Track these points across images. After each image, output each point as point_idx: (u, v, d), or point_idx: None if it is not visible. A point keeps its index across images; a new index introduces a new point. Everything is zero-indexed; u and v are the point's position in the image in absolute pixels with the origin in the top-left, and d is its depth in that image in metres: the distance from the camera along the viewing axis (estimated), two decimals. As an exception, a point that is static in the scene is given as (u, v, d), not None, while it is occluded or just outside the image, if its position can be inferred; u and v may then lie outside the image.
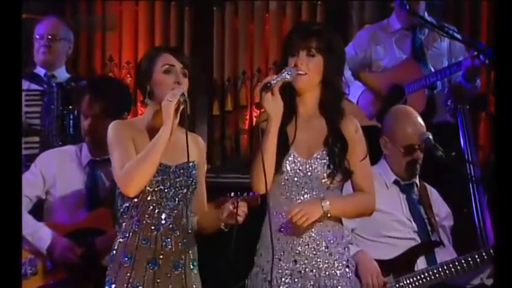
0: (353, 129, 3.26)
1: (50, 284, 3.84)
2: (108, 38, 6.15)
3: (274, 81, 3.13)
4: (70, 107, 4.66)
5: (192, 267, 3.28)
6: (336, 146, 3.22)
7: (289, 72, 3.19)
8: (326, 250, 3.22)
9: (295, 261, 3.23)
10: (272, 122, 3.17)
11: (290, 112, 3.28)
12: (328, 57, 3.22)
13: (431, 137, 4.07)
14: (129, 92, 4.31)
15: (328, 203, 3.18)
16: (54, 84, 4.71)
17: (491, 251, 3.96)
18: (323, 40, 3.23)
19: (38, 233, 3.86)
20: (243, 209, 3.16)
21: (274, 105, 3.15)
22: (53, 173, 4.00)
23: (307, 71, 3.21)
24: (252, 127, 5.98)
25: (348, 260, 3.26)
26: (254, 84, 6.07)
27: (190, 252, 3.27)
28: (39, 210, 4.04)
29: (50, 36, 4.82)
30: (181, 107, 3.16)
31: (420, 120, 4.15)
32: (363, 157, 3.26)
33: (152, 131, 3.25)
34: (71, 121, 4.64)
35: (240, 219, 3.16)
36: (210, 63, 6.05)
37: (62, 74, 4.88)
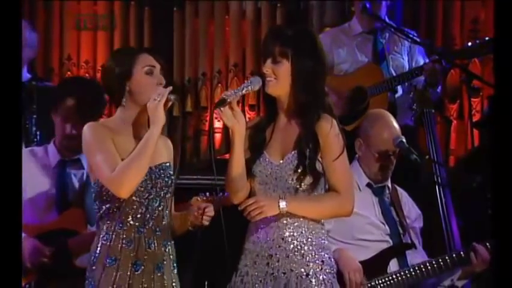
0: (327, 128, 3.20)
1: (22, 287, 3.76)
2: (66, 37, 6.10)
3: (230, 97, 3.14)
4: (34, 106, 4.58)
5: (172, 268, 3.28)
6: (306, 148, 3.20)
7: (251, 83, 3.21)
8: (297, 251, 3.22)
9: (268, 263, 3.23)
10: (235, 137, 3.19)
11: (271, 116, 3.30)
12: (295, 61, 3.20)
13: (404, 140, 4.08)
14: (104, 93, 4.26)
15: (285, 202, 3.17)
16: None
17: (462, 253, 4.01)
18: (288, 45, 3.21)
19: None
20: (208, 213, 3.20)
21: (235, 121, 3.17)
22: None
23: (275, 77, 3.21)
24: (212, 128, 5.99)
25: (323, 261, 3.23)
26: (214, 86, 6.08)
27: (171, 252, 3.28)
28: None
29: None
30: (169, 105, 3.14)
31: (396, 124, 4.17)
32: (337, 156, 3.21)
33: (131, 131, 3.24)
34: (33, 120, 4.56)
35: (206, 222, 3.21)
36: (170, 63, 6.02)
37: (24, 75, 4.78)
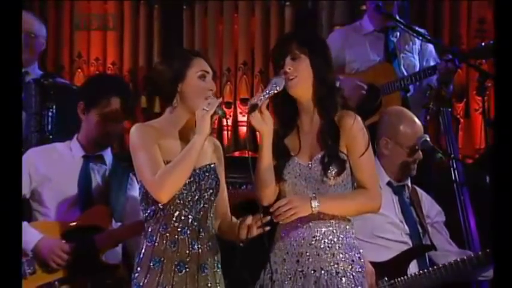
0: (350, 122, 3.25)
1: (51, 283, 3.78)
2: (77, 35, 6.12)
3: (261, 100, 3.20)
4: (47, 103, 4.59)
5: (216, 269, 3.29)
6: (328, 138, 3.25)
7: (276, 84, 3.25)
8: (328, 250, 3.26)
9: (298, 261, 3.27)
10: (264, 139, 3.25)
11: (292, 123, 3.35)
12: (313, 56, 3.27)
13: (428, 139, 4.10)
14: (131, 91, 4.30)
15: (317, 201, 3.21)
16: (31, 80, 4.61)
17: (482, 255, 3.98)
18: (304, 42, 3.28)
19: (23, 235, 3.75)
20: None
21: (264, 123, 3.23)
22: (42, 171, 3.92)
23: (297, 74, 3.26)
24: (220, 125, 6.02)
25: (353, 260, 3.27)
26: (223, 84, 6.10)
27: (215, 254, 3.29)
28: (26, 210, 3.98)
29: (26, 34, 4.68)
30: (214, 118, 3.16)
31: (418, 121, 4.20)
32: (363, 152, 3.26)
33: (180, 135, 3.25)
34: (49, 117, 4.57)
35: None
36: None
37: (35, 70, 4.78)
